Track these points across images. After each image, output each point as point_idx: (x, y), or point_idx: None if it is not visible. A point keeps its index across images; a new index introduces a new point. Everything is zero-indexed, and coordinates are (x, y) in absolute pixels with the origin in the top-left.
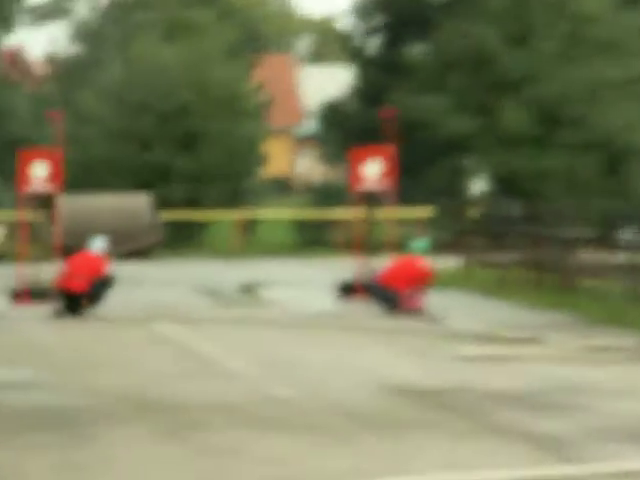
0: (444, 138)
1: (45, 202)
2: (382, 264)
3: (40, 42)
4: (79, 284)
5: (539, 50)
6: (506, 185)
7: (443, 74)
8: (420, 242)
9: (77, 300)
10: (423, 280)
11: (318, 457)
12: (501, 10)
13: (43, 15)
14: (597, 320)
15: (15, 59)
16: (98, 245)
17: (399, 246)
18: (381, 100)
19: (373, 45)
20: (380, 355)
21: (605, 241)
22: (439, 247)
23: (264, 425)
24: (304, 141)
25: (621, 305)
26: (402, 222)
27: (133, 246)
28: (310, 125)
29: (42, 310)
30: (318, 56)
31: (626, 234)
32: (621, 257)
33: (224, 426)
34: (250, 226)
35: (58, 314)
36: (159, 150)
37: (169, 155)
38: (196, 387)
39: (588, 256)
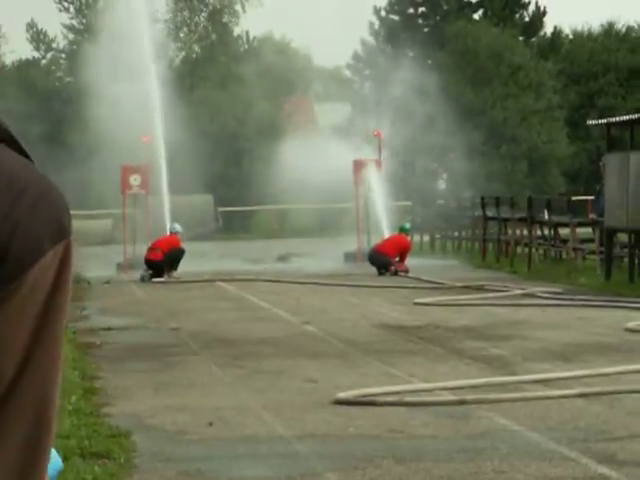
0: None
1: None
2: (376, 239)
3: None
4: (157, 255)
5: None
6: (461, 183)
7: None
8: (405, 225)
9: (158, 267)
10: (406, 250)
11: (335, 374)
12: None
13: None
14: (525, 276)
15: None
16: (176, 228)
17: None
18: None
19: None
20: (375, 303)
21: (530, 220)
22: (416, 228)
23: (298, 353)
24: None
25: (542, 265)
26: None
27: (201, 231)
28: None
29: (137, 275)
30: (328, 96)
31: (544, 215)
32: (541, 232)
33: (269, 354)
34: (282, 216)
35: (144, 278)
36: (218, 164)
37: (224, 168)
38: (249, 327)
39: (519, 231)
